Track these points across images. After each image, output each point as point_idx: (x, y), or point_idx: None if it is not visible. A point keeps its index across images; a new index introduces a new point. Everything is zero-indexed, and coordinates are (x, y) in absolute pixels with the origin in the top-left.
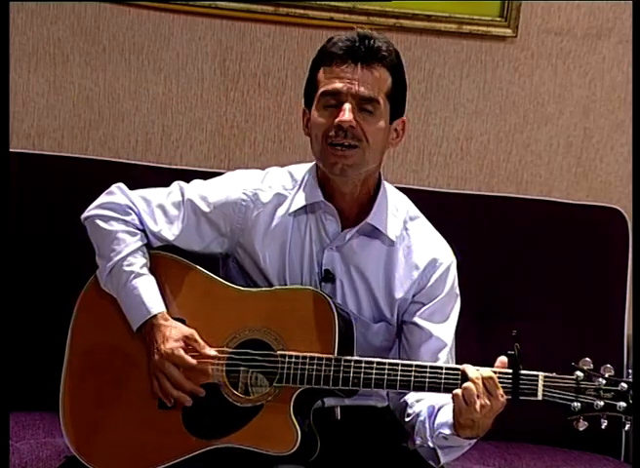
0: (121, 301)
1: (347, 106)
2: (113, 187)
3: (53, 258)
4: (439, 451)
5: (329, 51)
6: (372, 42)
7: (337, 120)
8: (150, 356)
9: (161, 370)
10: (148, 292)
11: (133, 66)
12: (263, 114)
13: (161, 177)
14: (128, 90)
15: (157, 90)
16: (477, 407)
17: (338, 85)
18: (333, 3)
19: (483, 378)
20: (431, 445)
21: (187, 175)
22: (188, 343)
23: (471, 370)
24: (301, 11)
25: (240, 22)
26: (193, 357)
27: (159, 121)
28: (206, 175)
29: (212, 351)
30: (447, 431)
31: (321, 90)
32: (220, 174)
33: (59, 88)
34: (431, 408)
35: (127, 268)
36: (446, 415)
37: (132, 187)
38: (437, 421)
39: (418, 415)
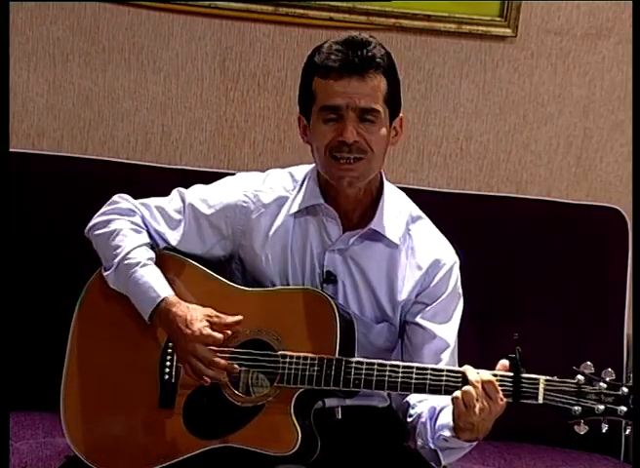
0: (129, 292)
1: (350, 124)
2: (115, 197)
3: (53, 258)
4: (440, 453)
5: (322, 62)
6: (365, 50)
7: (340, 138)
8: (175, 342)
9: (192, 353)
10: (156, 279)
11: (132, 66)
12: (263, 114)
13: (161, 177)
14: (127, 90)
15: (157, 90)
16: (476, 410)
17: (337, 101)
18: (332, 3)
19: (483, 382)
20: (432, 446)
21: (187, 175)
22: (211, 321)
23: (471, 374)
24: (301, 11)
25: (240, 22)
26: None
27: (159, 121)
28: (206, 175)
29: (236, 318)
30: (447, 433)
31: (320, 105)
32: (220, 173)
33: (58, 88)
34: (432, 409)
35: (133, 261)
36: (447, 417)
37: (132, 187)
38: (438, 423)
39: (419, 416)
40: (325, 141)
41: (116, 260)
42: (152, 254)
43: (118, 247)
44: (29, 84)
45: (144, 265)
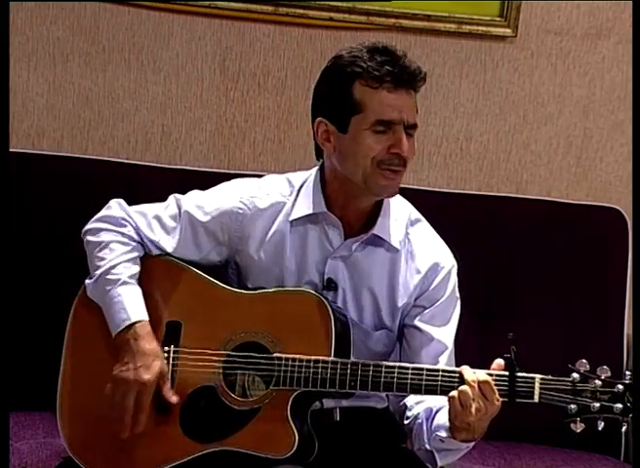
0: (103, 307)
1: (404, 138)
2: (112, 202)
3: (52, 259)
4: (436, 454)
5: (369, 70)
6: (407, 62)
7: (395, 150)
8: (122, 366)
9: (124, 390)
10: (132, 300)
11: (132, 66)
12: (263, 114)
13: (161, 177)
14: (127, 90)
15: (157, 90)
16: (472, 410)
17: (394, 116)
18: (332, 3)
19: (479, 382)
20: (428, 447)
21: (187, 175)
22: (158, 383)
23: (468, 373)
24: (301, 11)
25: (240, 22)
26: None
27: (159, 121)
28: (206, 175)
29: (173, 398)
30: (443, 434)
31: (375, 118)
32: (220, 174)
33: (58, 88)
34: (429, 410)
35: (114, 277)
36: (443, 418)
37: (132, 187)
38: (434, 424)
39: (416, 418)
40: (373, 153)
41: (98, 272)
42: (136, 270)
43: (103, 259)
44: (29, 84)
45: (124, 283)
